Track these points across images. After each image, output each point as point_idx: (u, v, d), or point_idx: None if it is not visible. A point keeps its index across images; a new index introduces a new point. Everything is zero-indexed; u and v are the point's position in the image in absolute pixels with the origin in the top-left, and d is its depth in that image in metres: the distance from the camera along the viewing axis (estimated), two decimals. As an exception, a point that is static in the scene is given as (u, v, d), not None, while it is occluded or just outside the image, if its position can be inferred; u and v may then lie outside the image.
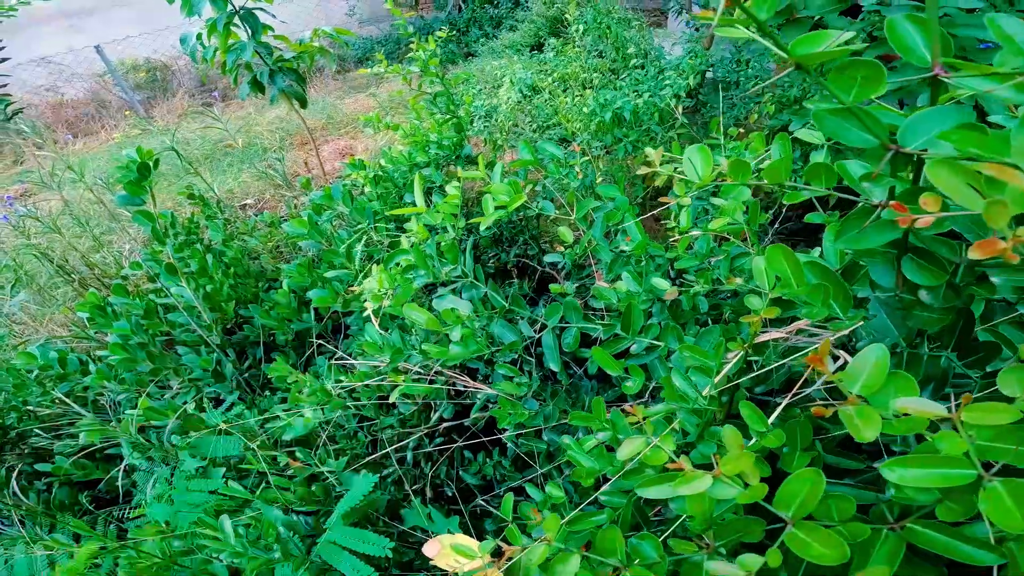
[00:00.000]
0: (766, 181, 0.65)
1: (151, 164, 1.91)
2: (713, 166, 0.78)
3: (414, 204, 1.39)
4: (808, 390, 0.68)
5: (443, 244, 1.22)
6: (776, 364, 0.70)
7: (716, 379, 0.70)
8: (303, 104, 3.84)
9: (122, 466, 1.94)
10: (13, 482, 2.16)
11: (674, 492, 0.57)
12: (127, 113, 7.19)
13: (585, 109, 3.27)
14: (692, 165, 0.72)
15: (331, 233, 2.21)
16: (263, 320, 2.29)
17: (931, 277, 0.62)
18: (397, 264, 1.20)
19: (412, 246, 1.23)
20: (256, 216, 3.30)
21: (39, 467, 2.29)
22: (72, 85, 7.27)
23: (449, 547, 0.82)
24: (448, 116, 2.12)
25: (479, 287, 1.17)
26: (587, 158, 2.76)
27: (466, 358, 1.08)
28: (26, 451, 2.42)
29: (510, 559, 0.70)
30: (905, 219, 0.49)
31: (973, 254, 0.42)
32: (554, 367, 1.12)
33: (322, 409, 1.34)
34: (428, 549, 1.08)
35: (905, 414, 0.54)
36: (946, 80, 0.48)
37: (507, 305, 1.15)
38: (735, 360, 0.69)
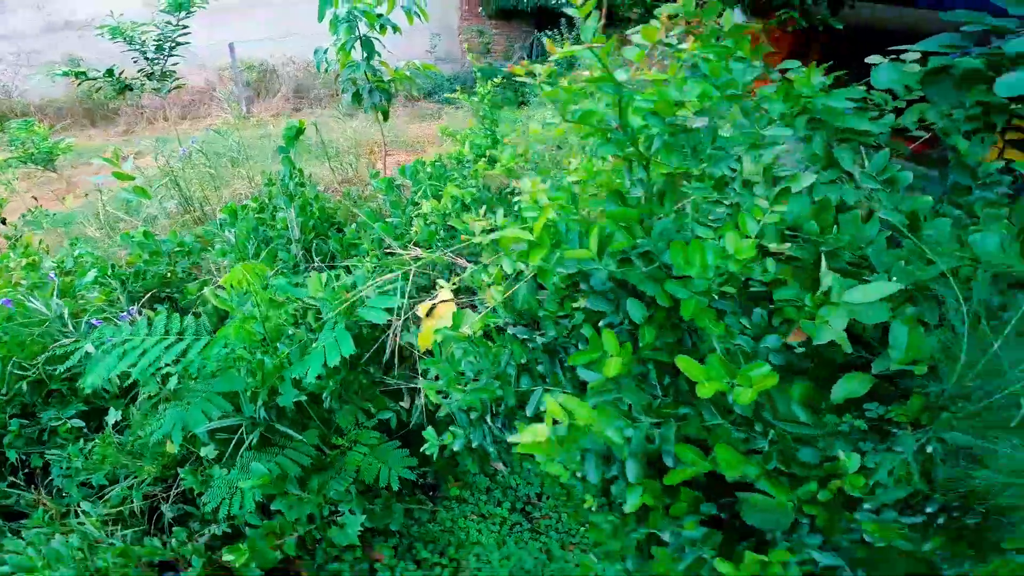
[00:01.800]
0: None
1: (303, 130, 3.03)
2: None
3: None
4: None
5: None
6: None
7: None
8: (385, 118, 5.03)
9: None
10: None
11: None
12: (233, 105, 8.64)
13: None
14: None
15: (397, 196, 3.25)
16: (333, 244, 3.31)
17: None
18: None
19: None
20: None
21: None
22: (198, 74, 8.81)
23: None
24: (490, 132, 3.20)
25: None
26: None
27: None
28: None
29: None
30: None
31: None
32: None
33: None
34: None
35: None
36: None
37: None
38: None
